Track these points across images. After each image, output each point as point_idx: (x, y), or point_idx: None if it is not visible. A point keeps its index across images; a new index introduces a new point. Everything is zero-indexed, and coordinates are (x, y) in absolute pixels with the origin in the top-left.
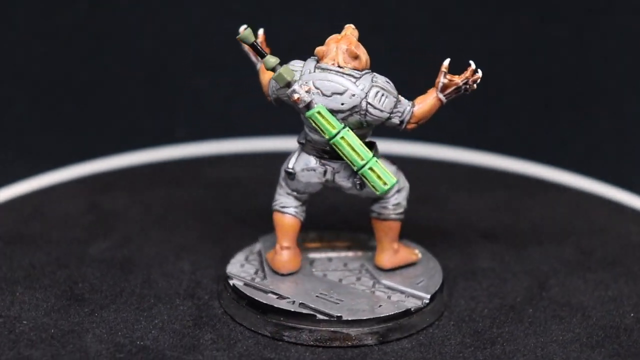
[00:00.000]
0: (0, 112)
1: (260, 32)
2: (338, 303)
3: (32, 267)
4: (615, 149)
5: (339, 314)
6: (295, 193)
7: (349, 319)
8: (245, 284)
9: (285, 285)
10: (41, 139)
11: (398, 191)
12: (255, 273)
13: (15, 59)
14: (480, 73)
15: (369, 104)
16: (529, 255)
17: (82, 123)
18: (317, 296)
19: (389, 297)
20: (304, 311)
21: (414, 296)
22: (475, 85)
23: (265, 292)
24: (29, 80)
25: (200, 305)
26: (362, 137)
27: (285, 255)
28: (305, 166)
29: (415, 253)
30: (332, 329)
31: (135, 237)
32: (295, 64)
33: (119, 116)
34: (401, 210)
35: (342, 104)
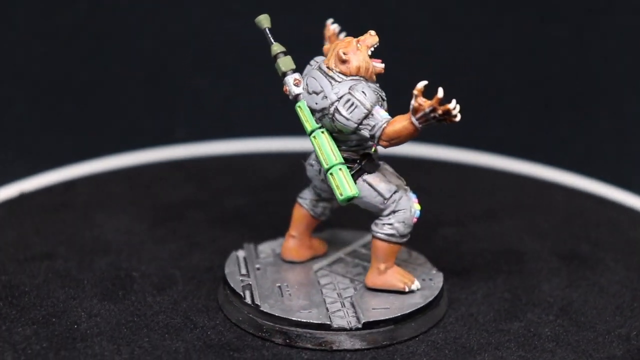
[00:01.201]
0: (0, 112)
1: (335, 27)
2: (282, 296)
3: (167, 202)
4: (615, 149)
5: (258, 303)
6: (314, 187)
7: (266, 310)
8: (244, 258)
9: (269, 268)
10: (41, 139)
11: (393, 212)
12: (274, 256)
13: (15, 59)
14: (452, 105)
15: (337, 109)
16: (576, 339)
17: (82, 123)
18: (277, 285)
19: (336, 311)
20: (238, 290)
21: (357, 317)
22: (454, 118)
23: (242, 268)
24: (29, 80)
25: (217, 267)
26: (355, 144)
27: (289, 242)
28: (308, 161)
29: (405, 282)
30: (250, 315)
31: (266, 205)
32: (317, 59)
33: (119, 116)
34: (392, 232)
35: (316, 103)
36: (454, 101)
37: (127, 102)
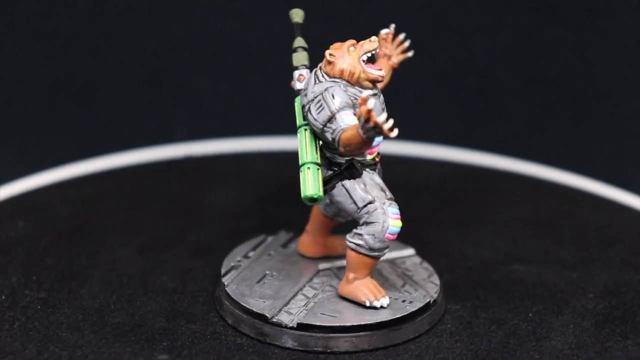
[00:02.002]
0: (0, 112)
1: (384, 32)
2: (256, 283)
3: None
4: (615, 149)
5: (226, 282)
6: None
7: (228, 291)
8: (268, 243)
9: (279, 257)
10: (41, 139)
11: (366, 223)
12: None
13: (15, 59)
14: (381, 118)
15: (309, 108)
16: None
17: (82, 123)
18: (266, 272)
19: (293, 307)
20: (225, 269)
21: (307, 319)
22: (389, 132)
23: (254, 250)
24: (29, 80)
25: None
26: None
27: (303, 237)
28: None
29: (368, 297)
30: (222, 292)
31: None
32: None
33: (119, 116)
34: (361, 243)
35: (302, 101)
36: (383, 115)
37: (127, 102)
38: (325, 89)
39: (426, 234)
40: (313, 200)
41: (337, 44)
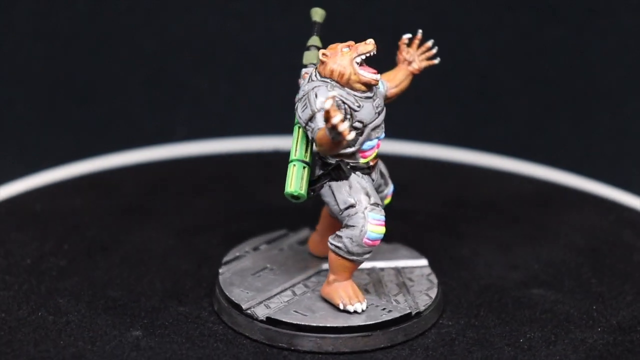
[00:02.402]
0: (0, 112)
1: (405, 37)
2: (251, 275)
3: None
4: (615, 149)
5: (220, 271)
6: None
7: (219, 280)
8: (285, 237)
9: (288, 253)
10: (41, 139)
11: (346, 226)
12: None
13: (15, 59)
14: (335, 119)
15: (297, 106)
16: None
17: (82, 123)
18: (267, 265)
19: (273, 302)
20: (227, 258)
21: (277, 314)
22: (345, 135)
23: (266, 243)
24: (29, 80)
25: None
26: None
27: (312, 236)
28: None
29: (343, 300)
30: (216, 279)
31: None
32: None
33: (119, 116)
34: (339, 245)
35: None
36: (338, 116)
37: (127, 102)
38: (312, 88)
39: (463, 248)
40: (295, 197)
41: (333, 45)
